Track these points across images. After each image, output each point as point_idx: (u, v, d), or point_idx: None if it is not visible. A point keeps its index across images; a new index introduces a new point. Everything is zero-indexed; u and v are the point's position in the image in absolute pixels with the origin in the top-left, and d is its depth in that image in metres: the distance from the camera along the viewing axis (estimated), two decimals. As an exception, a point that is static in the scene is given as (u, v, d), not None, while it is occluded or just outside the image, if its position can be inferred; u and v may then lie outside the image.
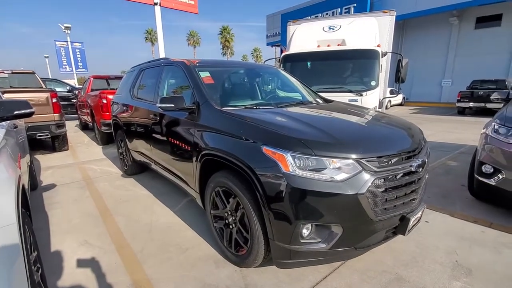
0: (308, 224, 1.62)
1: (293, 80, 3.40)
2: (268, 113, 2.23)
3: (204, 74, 2.60)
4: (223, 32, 58.43)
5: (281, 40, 22.13)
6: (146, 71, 3.66)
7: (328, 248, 1.63)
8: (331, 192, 1.54)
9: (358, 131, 2.08)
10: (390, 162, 1.73)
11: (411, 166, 1.80)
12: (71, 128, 9.45)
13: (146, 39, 60.81)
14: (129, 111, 3.80)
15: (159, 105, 2.37)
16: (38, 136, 5.13)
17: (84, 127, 8.96)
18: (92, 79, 7.97)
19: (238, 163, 1.81)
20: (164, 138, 2.85)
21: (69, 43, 21.91)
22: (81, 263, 2.23)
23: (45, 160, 5.31)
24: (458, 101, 12.13)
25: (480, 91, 11.59)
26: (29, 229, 1.52)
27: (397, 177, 1.74)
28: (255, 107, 2.40)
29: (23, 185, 1.65)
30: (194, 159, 2.29)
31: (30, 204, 2.05)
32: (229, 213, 2.06)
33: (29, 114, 2.01)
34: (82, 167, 4.80)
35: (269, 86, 3.38)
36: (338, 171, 1.59)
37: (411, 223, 1.82)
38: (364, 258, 2.14)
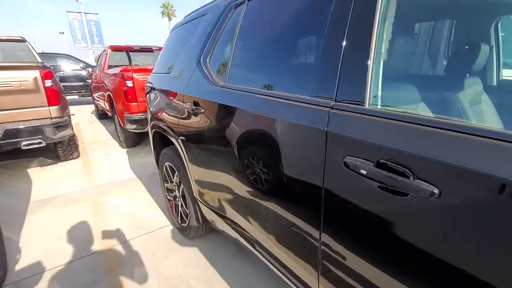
0: None
1: None
2: None
3: None
4: None
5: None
6: (256, 4, 1.32)
7: None
8: None
9: None
10: None
11: None
12: (86, 116, 7.41)
13: (163, 14, 57.90)
14: (205, 115, 1.53)
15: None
16: (25, 146, 3.02)
17: (102, 115, 6.86)
18: (109, 50, 5.71)
19: None
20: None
21: (83, 14, 19.62)
22: None
23: (40, 182, 3.24)
24: None
25: None
26: None
27: None
28: None
29: None
30: None
31: None
32: None
33: None
34: (98, 205, 2.68)
35: None
36: None
37: None
38: None
